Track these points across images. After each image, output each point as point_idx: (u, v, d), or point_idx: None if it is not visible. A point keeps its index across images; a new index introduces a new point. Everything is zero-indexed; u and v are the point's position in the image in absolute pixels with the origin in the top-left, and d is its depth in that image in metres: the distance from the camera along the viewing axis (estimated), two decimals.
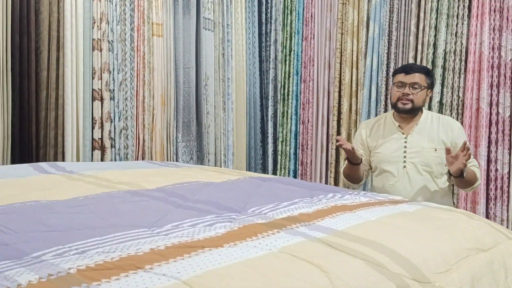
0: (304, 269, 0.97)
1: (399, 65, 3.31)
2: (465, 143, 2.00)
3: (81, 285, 0.83)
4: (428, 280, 1.07)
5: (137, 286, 0.84)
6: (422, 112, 2.32)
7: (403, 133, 2.31)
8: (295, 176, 3.99)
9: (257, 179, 2.04)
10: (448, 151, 2.05)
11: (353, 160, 2.26)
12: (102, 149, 2.93)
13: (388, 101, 3.38)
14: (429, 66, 3.10)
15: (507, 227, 2.61)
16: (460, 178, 2.10)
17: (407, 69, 2.28)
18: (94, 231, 1.15)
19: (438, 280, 1.08)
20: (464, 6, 2.97)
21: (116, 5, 2.96)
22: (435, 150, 2.24)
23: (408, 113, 2.28)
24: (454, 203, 2.58)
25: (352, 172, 2.34)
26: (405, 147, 2.28)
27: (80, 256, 0.98)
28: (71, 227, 1.19)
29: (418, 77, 2.24)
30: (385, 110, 3.40)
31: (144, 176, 2.01)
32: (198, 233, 1.16)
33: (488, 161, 2.92)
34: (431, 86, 2.31)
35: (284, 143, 4.04)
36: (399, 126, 2.32)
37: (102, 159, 2.94)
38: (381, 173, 2.32)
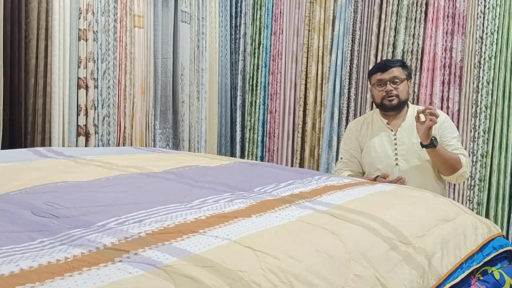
0: (321, 232, 1.22)
1: (361, 62, 3.64)
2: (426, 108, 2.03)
3: (157, 244, 1.05)
4: (410, 242, 1.36)
5: (200, 244, 1.06)
6: (408, 107, 2.32)
7: (391, 130, 2.28)
8: (262, 162, 4.25)
9: (247, 164, 2.27)
10: (417, 118, 2.04)
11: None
12: (87, 135, 3.06)
13: (351, 93, 3.71)
14: None
15: None
16: (432, 149, 2.06)
17: (383, 66, 2.26)
18: (138, 205, 1.35)
19: (417, 242, 1.37)
20: (421, 11, 3.31)
21: None
22: None
23: (395, 109, 2.25)
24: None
25: None
26: (396, 143, 2.25)
27: (140, 224, 1.19)
28: (114, 202, 1.38)
29: (396, 71, 2.22)
30: (348, 103, 3.72)
31: (145, 161, 2.20)
32: (225, 207, 1.39)
33: None
34: (409, 76, 2.29)
35: (252, 131, 4.29)
36: (387, 123, 2.30)
37: (86, 145, 3.07)
38: (373, 172, 2.29)
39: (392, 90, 2.22)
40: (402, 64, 2.28)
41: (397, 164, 2.24)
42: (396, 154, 2.25)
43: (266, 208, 1.39)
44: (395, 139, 2.26)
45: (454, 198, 3.24)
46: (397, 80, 2.22)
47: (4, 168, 1.90)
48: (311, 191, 1.66)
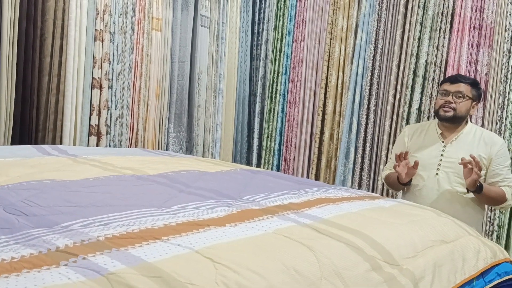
0: (295, 247, 1.14)
1: (383, 72, 3.52)
2: (472, 157, 2.01)
3: (111, 249, 0.99)
4: (397, 263, 1.26)
5: (158, 252, 1.00)
6: (467, 124, 2.29)
7: (443, 141, 2.28)
8: (278, 171, 4.17)
9: (248, 171, 2.21)
10: (464, 164, 2.03)
11: (402, 180, 2.24)
12: (98, 135, 3.06)
13: (371, 104, 3.59)
14: (411, 76, 3.31)
15: None
16: (478, 194, 2.09)
17: (453, 78, 2.28)
18: (112, 208, 1.31)
19: (406, 264, 1.27)
20: (446, 21, 3.18)
21: None
22: None
23: (449, 121, 2.25)
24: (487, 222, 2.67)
25: (397, 187, 2.36)
26: (442, 155, 2.25)
27: (104, 227, 1.14)
28: (91, 203, 1.35)
29: (463, 87, 2.21)
30: (367, 114, 3.60)
31: (144, 163, 2.16)
32: (202, 214, 1.33)
33: None
34: (477, 98, 2.26)
35: (269, 139, 4.22)
36: (441, 134, 2.30)
37: (97, 145, 3.07)
38: (415, 177, 2.29)
39: (452, 103, 2.21)
40: (473, 83, 2.27)
41: (437, 174, 2.25)
42: (439, 164, 2.25)
43: (244, 217, 1.32)
44: (443, 150, 2.27)
45: None
46: (460, 95, 2.22)
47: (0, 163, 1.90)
48: (302, 203, 1.57)
